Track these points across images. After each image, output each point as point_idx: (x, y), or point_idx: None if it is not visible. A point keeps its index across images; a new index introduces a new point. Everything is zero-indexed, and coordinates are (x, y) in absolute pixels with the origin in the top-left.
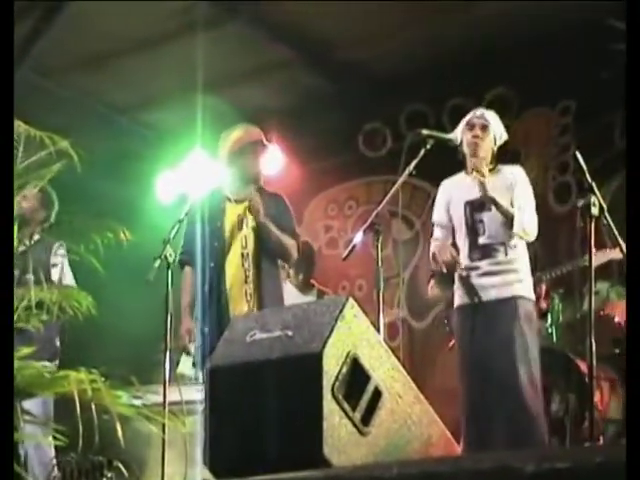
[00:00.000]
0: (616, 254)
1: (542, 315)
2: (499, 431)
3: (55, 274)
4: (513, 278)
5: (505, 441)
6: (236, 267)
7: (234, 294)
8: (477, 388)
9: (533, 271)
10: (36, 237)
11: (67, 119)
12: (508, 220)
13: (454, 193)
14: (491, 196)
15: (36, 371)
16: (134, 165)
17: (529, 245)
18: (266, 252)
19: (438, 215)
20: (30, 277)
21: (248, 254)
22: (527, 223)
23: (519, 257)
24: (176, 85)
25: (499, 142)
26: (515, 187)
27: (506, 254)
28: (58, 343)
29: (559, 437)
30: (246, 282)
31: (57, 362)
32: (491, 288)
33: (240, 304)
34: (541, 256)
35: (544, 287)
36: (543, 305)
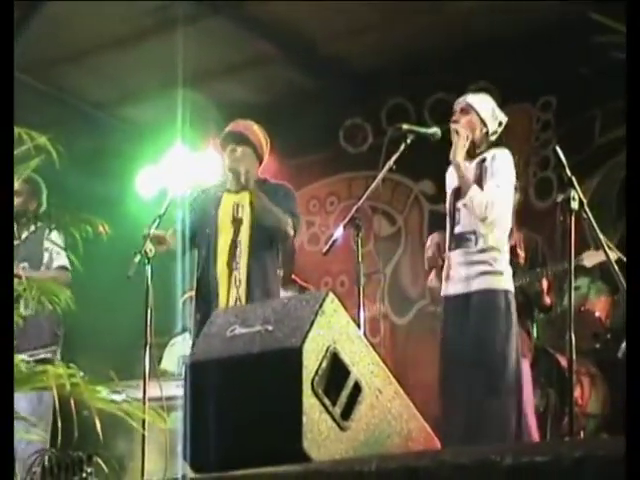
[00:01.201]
0: (612, 254)
1: (546, 310)
2: (472, 425)
3: (45, 257)
4: (481, 270)
5: (480, 435)
6: (228, 254)
7: (223, 281)
8: (449, 381)
9: (534, 266)
10: (32, 228)
11: (47, 115)
12: (464, 190)
13: (449, 182)
14: (457, 161)
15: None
16: (114, 160)
17: (530, 239)
18: (259, 238)
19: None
20: (25, 265)
21: (240, 242)
22: (479, 198)
23: (491, 247)
24: (156, 80)
25: (492, 124)
26: (490, 167)
27: (476, 243)
28: (59, 332)
29: (540, 432)
30: (236, 269)
31: (55, 349)
32: (460, 280)
33: (229, 291)
34: (544, 251)
35: (545, 283)
36: (547, 301)
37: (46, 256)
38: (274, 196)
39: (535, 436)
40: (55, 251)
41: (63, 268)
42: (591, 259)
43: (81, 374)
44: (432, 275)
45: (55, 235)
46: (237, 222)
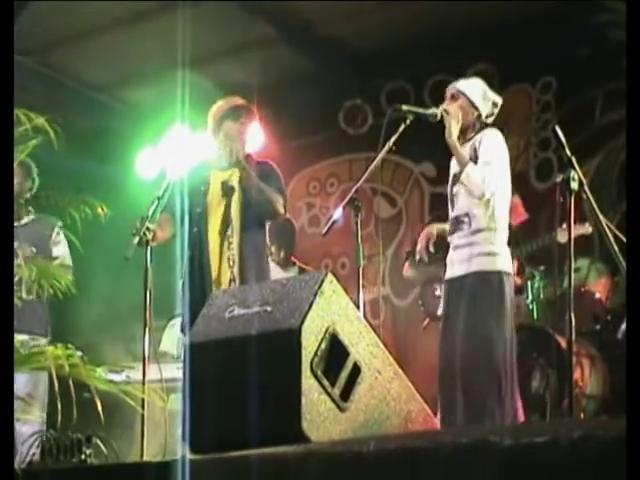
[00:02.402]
0: (585, 229)
1: (517, 291)
2: (467, 406)
3: (57, 251)
4: (475, 251)
5: (475, 417)
6: (219, 233)
7: (217, 260)
8: (445, 362)
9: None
10: (32, 215)
11: (47, 97)
12: (461, 167)
13: (452, 169)
14: (452, 140)
15: None
16: (114, 142)
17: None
18: (250, 217)
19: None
20: (33, 249)
21: (231, 220)
22: (476, 177)
23: (485, 228)
24: (157, 62)
25: (484, 107)
26: (480, 146)
27: (470, 225)
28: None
29: (540, 414)
30: (229, 248)
31: (49, 337)
32: (456, 263)
33: (222, 270)
34: (517, 233)
35: (516, 263)
36: (517, 281)
37: (57, 250)
38: (260, 174)
39: (521, 417)
40: (64, 247)
41: (69, 267)
42: (565, 234)
43: (79, 354)
44: (407, 265)
45: (62, 233)
46: (227, 201)
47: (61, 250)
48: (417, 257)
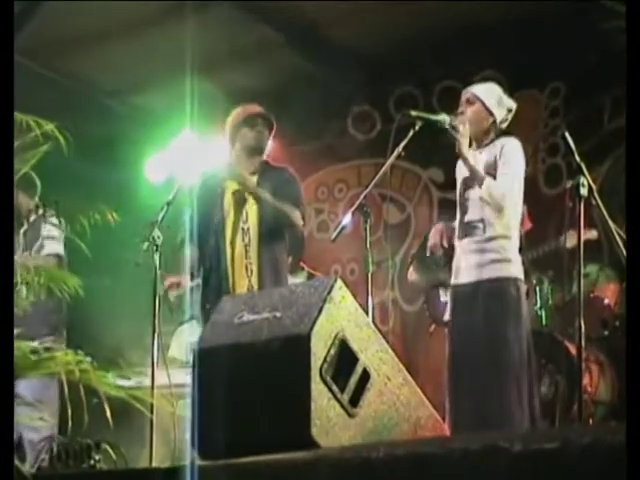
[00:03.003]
0: (591, 234)
1: None
2: (480, 411)
3: (37, 244)
4: (491, 258)
5: (489, 421)
6: (238, 243)
7: (235, 269)
8: (456, 368)
9: None
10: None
11: (55, 102)
12: (478, 182)
13: (459, 172)
14: (463, 154)
15: (21, 352)
16: (123, 147)
17: None
18: (267, 226)
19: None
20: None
21: (248, 229)
22: (495, 189)
23: (500, 235)
24: (164, 68)
25: (499, 112)
26: (501, 156)
27: (484, 231)
28: (60, 320)
29: (549, 420)
30: (246, 257)
31: (59, 337)
32: (465, 269)
33: (241, 279)
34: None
35: None
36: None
37: (37, 243)
38: (277, 182)
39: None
40: (49, 237)
41: (53, 256)
42: (571, 240)
43: (88, 359)
44: (412, 269)
45: (54, 220)
46: (243, 210)
47: (42, 242)
48: (428, 252)
